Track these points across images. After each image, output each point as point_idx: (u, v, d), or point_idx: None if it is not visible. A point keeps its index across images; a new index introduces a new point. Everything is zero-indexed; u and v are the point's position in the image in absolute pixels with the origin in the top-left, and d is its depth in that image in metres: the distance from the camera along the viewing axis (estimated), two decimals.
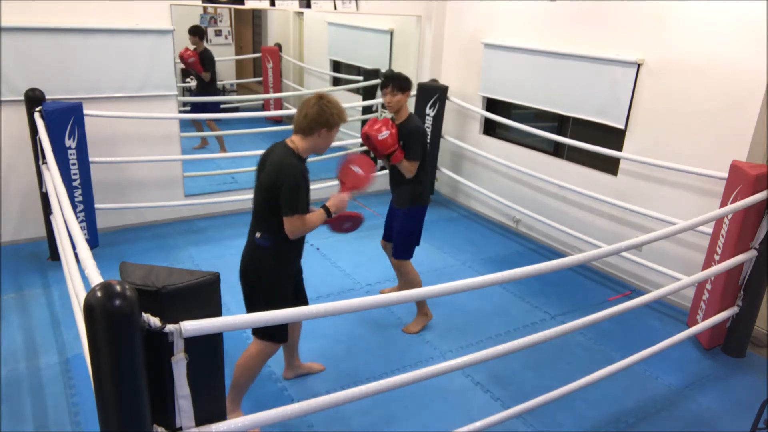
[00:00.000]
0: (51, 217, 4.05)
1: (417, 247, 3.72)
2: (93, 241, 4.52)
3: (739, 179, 3.38)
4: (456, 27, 5.92)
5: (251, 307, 2.73)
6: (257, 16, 9.70)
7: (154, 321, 1.58)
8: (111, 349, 1.50)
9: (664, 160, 4.11)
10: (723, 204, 3.52)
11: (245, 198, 5.28)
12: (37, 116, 3.98)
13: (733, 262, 3.38)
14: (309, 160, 2.70)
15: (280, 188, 2.47)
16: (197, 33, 6.82)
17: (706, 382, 3.43)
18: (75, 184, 4.25)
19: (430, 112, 5.74)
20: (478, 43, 5.56)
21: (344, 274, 4.46)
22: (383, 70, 6.81)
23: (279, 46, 8.98)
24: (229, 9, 8.98)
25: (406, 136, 3.38)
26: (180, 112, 5.46)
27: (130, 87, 4.69)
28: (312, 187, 2.61)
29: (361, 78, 7.31)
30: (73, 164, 4.20)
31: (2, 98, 4.24)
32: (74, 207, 4.22)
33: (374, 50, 7.24)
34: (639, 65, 4.25)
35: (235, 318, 1.80)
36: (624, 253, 4.34)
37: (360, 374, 3.29)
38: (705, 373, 3.51)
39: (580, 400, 3.15)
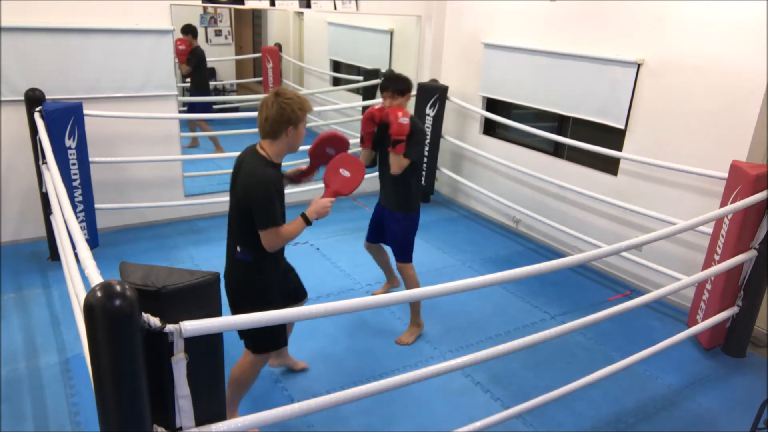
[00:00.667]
0: (51, 217, 4.05)
1: (417, 247, 3.72)
2: (93, 241, 4.52)
3: (739, 179, 3.38)
4: (456, 27, 5.92)
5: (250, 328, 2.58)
6: (257, 16, 9.70)
7: (154, 321, 1.58)
8: (111, 349, 1.50)
9: (664, 160, 4.11)
10: (723, 204, 3.52)
11: None
12: (37, 116, 3.98)
13: (733, 262, 3.38)
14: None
15: (252, 202, 2.37)
16: (190, 31, 6.86)
17: (706, 382, 3.43)
18: (75, 184, 4.25)
19: (430, 112, 5.74)
20: (478, 43, 5.56)
21: (344, 274, 4.46)
22: (383, 70, 6.81)
23: (279, 46, 8.98)
24: (229, 9, 8.97)
25: (409, 135, 3.35)
26: (180, 112, 5.46)
27: (130, 87, 4.69)
28: (297, 190, 2.52)
29: (361, 78, 7.31)
30: (73, 164, 4.20)
31: (2, 98, 4.24)
32: (74, 207, 4.22)
33: (374, 50, 7.24)
34: (639, 65, 4.25)
35: (235, 318, 1.80)
36: (624, 253, 4.34)
37: (360, 374, 3.29)
38: (705, 373, 3.51)
39: (580, 400, 3.15)
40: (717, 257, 3.55)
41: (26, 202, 4.54)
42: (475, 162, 5.94)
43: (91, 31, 4.40)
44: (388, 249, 3.89)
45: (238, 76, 9.80)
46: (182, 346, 1.65)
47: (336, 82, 8.39)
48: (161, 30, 4.65)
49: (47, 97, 4.11)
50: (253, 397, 3.00)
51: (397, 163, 3.36)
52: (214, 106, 8.25)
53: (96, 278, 1.80)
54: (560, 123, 5.11)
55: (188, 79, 7.26)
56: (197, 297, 1.71)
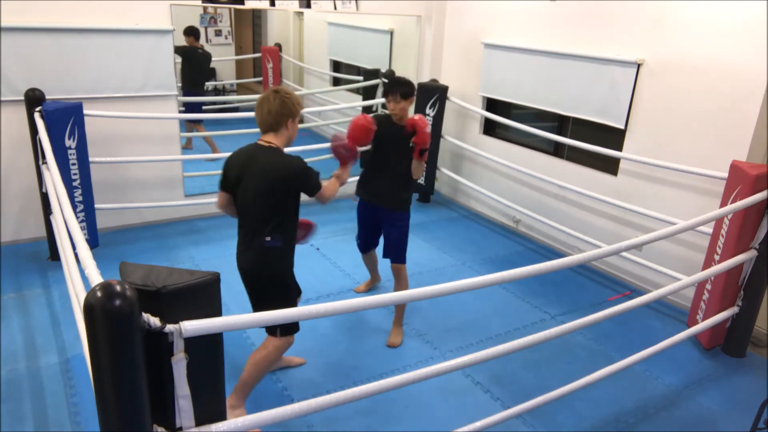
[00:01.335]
0: (51, 217, 4.05)
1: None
2: (93, 241, 4.52)
3: (739, 179, 3.38)
4: (456, 27, 5.92)
5: (266, 307, 2.66)
6: (257, 16, 9.71)
7: (154, 321, 1.58)
8: (111, 349, 1.50)
9: (664, 160, 4.11)
10: (723, 204, 3.52)
11: None
12: (37, 116, 3.97)
13: (733, 262, 3.38)
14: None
15: (295, 179, 2.60)
16: (192, 33, 6.85)
17: (706, 382, 3.43)
18: (75, 184, 4.25)
19: (430, 112, 5.74)
20: (478, 43, 5.56)
21: (344, 274, 4.46)
22: (383, 70, 6.81)
23: (279, 46, 8.98)
24: (229, 9, 8.97)
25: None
26: (180, 112, 5.46)
27: (130, 87, 4.68)
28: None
29: (361, 78, 7.31)
30: (73, 164, 4.20)
31: (2, 98, 4.24)
32: (74, 207, 4.22)
33: (374, 50, 7.24)
34: (639, 65, 4.25)
35: (235, 318, 1.80)
36: (624, 253, 4.34)
37: (360, 374, 3.29)
38: (705, 373, 3.51)
39: (580, 400, 3.15)
40: (717, 257, 3.55)
41: (26, 202, 4.54)
42: (475, 162, 5.94)
43: (91, 31, 4.40)
44: (378, 250, 3.88)
45: (238, 76, 9.80)
46: (182, 346, 1.65)
47: (336, 82, 8.39)
48: (161, 30, 4.65)
49: (47, 97, 4.11)
50: (253, 397, 2.99)
51: (420, 169, 3.45)
52: (214, 106, 8.26)
53: (96, 278, 1.80)
54: (560, 123, 5.11)
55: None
56: (197, 297, 1.71)
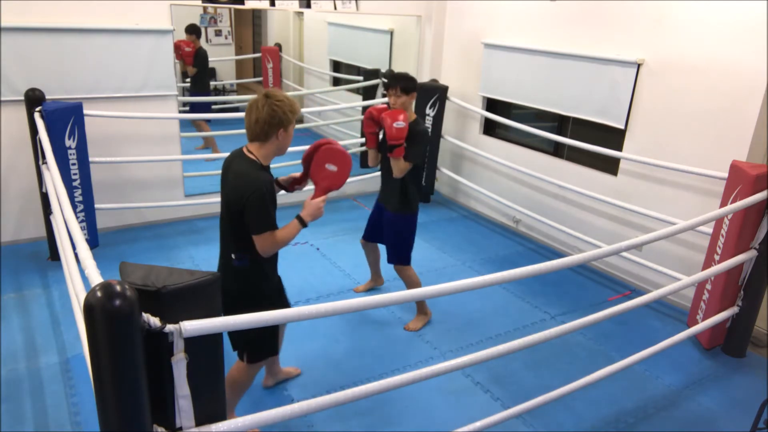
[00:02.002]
0: (51, 217, 4.05)
1: (417, 247, 3.72)
2: (93, 241, 4.52)
3: (739, 179, 3.38)
4: (456, 27, 5.92)
5: (238, 331, 2.49)
6: (257, 16, 9.70)
7: (154, 321, 1.58)
8: (111, 349, 1.50)
9: (664, 160, 4.11)
10: (723, 204, 3.52)
11: None
12: (37, 116, 3.98)
13: (733, 262, 3.38)
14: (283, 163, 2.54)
15: (245, 206, 2.31)
16: (194, 31, 6.84)
17: (706, 382, 3.43)
18: (75, 184, 4.25)
19: (430, 112, 5.74)
20: (478, 43, 5.56)
21: (344, 274, 4.46)
22: (383, 70, 6.81)
23: (279, 46, 8.97)
24: (229, 9, 8.97)
25: (411, 136, 3.33)
26: (180, 112, 5.46)
27: (130, 87, 4.68)
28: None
29: (361, 78, 7.31)
30: (73, 164, 4.20)
31: (2, 98, 4.24)
32: (74, 207, 4.22)
33: (374, 50, 7.24)
34: (639, 65, 4.25)
35: (235, 318, 1.80)
36: (624, 253, 4.34)
37: (360, 374, 3.29)
38: (705, 373, 3.51)
39: (580, 400, 3.15)
40: (717, 257, 3.55)
41: (26, 202, 4.54)
42: (475, 162, 5.94)
43: (91, 31, 4.40)
44: (382, 249, 3.89)
45: (238, 76, 9.80)
46: (182, 346, 1.65)
47: (336, 82, 8.38)
48: (161, 30, 4.65)
49: (47, 97, 4.11)
50: (253, 397, 3.00)
51: (397, 166, 3.36)
52: (213, 106, 8.25)
53: (96, 278, 1.80)
54: (560, 123, 5.11)
55: (188, 79, 7.26)
56: (197, 297, 1.71)
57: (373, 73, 6.97)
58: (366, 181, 5.82)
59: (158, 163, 5.00)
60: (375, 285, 4.22)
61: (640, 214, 4.30)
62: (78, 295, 2.29)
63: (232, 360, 3.28)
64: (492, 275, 2.24)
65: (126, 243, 4.77)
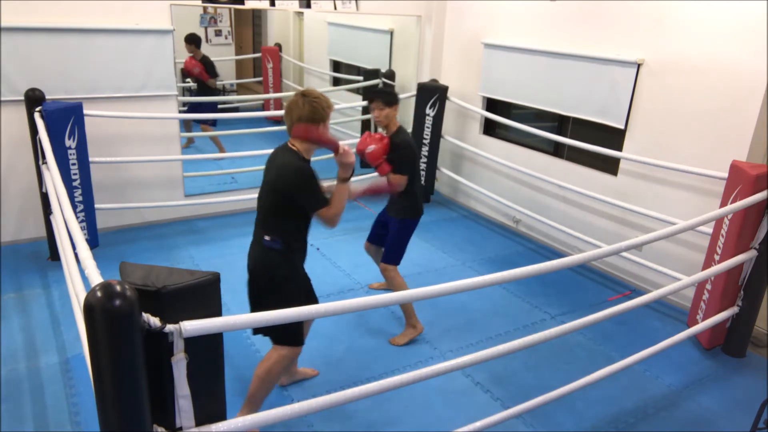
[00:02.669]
0: (51, 217, 4.05)
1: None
2: (93, 241, 4.52)
3: (739, 179, 3.38)
4: (456, 27, 5.92)
5: (262, 308, 2.59)
6: (257, 16, 9.71)
7: (154, 321, 1.58)
8: (111, 349, 1.50)
9: (664, 160, 4.11)
10: (723, 204, 3.52)
11: (245, 198, 5.28)
12: (37, 116, 3.98)
13: (733, 262, 3.38)
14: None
15: (294, 192, 2.51)
16: (193, 41, 6.76)
17: (706, 382, 3.43)
18: (75, 184, 4.25)
19: (430, 112, 5.74)
20: (478, 43, 5.56)
21: (344, 274, 4.46)
22: (383, 70, 6.81)
23: (279, 46, 8.98)
24: (229, 9, 8.97)
25: (394, 149, 3.37)
26: (180, 112, 5.46)
27: (130, 87, 4.68)
28: None
29: (361, 78, 7.31)
30: (73, 164, 4.20)
31: (2, 98, 4.24)
32: (74, 207, 4.22)
33: (374, 50, 7.24)
34: (639, 65, 4.25)
35: (235, 318, 1.80)
36: (624, 253, 4.34)
37: (360, 374, 3.29)
38: (705, 373, 3.51)
39: (580, 400, 3.15)
40: (717, 257, 3.55)
41: (26, 202, 4.54)
42: (475, 162, 5.94)
43: (91, 31, 4.40)
44: None
45: (238, 76, 9.80)
46: (182, 346, 1.65)
47: (336, 82, 8.39)
48: (161, 30, 4.65)
49: (47, 97, 4.11)
50: None
51: (394, 182, 3.40)
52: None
53: (96, 278, 1.80)
54: (560, 123, 5.11)
55: (188, 79, 7.26)
56: (197, 297, 1.71)
57: (373, 73, 6.98)
58: (366, 181, 5.81)
59: (158, 163, 5.00)
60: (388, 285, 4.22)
61: (640, 214, 4.30)
62: (78, 295, 2.29)
63: (232, 360, 3.29)
64: (492, 275, 2.24)
65: (126, 243, 4.77)
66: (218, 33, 9.19)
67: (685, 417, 3.12)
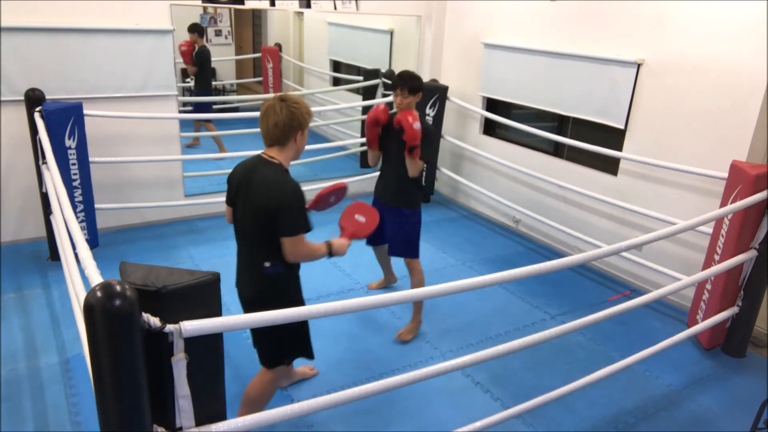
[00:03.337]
0: (51, 217, 4.05)
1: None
2: (93, 241, 4.52)
3: (739, 179, 3.38)
4: (456, 27, 5.92)
5: (265, 338, 2.52)
6: (257, 16, 9.71)
7: (154, 321, 1.58)
8: (111, 349, 1.50)
9: (664, 160, 4.11)
10: (723, 204, 3.52)
11: None
12: (37, 116, 3.98)
13: (733, 262, 3.38)
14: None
15: (278, 209, 2.29)
16: (196, 30, 6.82)
17: (706, 382, 3.43)
18: (75, 184, 4.25)
19: (430, 112, 5.74)
20: (478, 43, 5.56)
21: (344, 274, 4.46)
22: (383, 70, 6.81)
23: (279, 46, 8.98)
24: (229, 9, 8.98)
25: (424, 135, 3.33)
26: (180, 112, 5.46)
27: (130, 87, 4.68)
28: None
29: (361, 78, 7.31)
30: (73, 164, 4.20)
31: (2, 98, 4.24)
32: (74, 207, 4.22)
33: (374, 50, 7.24)
34: (639, 65, 4.25)
35: (235, 318, 1.80)
36: (624, 253, 4.34)
37: (360, 374, 3.29)
38: (705, 373, 3.51)
39: (580, 400, 3.15)
40: (717, 257, 3.55)
41: (26, 202, 4.54)
42: (475, 162, 5.94)
43: (91, 31, 4.40)
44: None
45: (238, 76, 9.80)
46: (182, 346, 1.65)
47: (336, 82, 8.39)
48: (161, 30, 4.65)
49: (47, 97, 4.11)
50: None
51: (415, 166, 3.39)
52: (214, 106, 8.25)
53: (96, 278, 1.80)
54: (560, 123, 5.11)
55: (188, 79, 7.26)
56: (197, 297, 1.71)
57: (373, 73, 6.97)
58: (366, 181, 5.81)
59: (158, 163, 5.00)
60: (388, 283, 4.25)
61: (640, 214, 4.30)
62: (78, 295, 2.29)
63: (232, 360, 3.29)
64: (492, 275, 2.24)
65: (126, 243, 4.77)
66: (218, 33, 9.19)
67: (685, 417, 3.12)
